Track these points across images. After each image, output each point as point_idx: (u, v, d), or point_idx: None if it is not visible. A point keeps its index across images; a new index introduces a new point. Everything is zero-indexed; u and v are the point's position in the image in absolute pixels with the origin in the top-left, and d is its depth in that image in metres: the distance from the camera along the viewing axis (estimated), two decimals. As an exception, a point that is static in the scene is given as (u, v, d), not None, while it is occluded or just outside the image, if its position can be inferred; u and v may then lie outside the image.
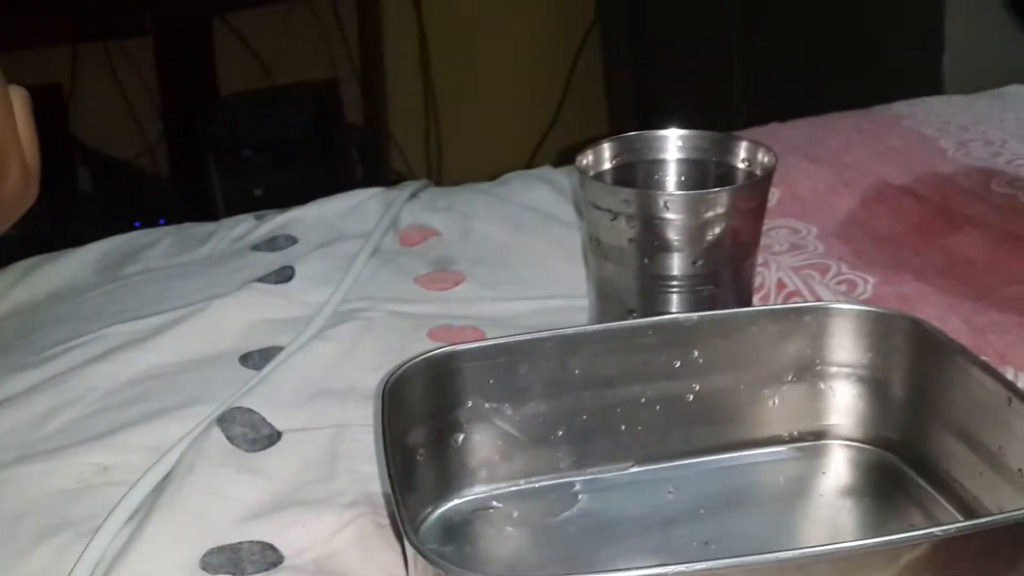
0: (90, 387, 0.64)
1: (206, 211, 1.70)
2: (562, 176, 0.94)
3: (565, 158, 0.68)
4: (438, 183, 1.01)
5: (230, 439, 0.58)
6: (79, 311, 0.75)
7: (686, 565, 0.40)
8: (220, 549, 0.51)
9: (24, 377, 0.66)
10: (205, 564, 0.50)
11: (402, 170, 2.04)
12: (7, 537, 0.52)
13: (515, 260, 0.80)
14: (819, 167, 0.92)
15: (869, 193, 0.87)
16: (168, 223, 0.92)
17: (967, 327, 0.67)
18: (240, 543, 0.51)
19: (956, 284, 0.73)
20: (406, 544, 0.43)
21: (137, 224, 0.94)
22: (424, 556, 0.41)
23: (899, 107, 1.05)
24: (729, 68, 1.71)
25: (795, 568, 0.41)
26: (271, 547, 0.51)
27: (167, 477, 0.55)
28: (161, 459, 0.57)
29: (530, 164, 1.37)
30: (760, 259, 0.70)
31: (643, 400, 0.56)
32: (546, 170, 0.98)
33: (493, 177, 0.98)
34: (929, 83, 1.36)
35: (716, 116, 0.72)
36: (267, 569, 0.49)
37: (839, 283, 0.75)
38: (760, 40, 1.70)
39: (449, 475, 0.55)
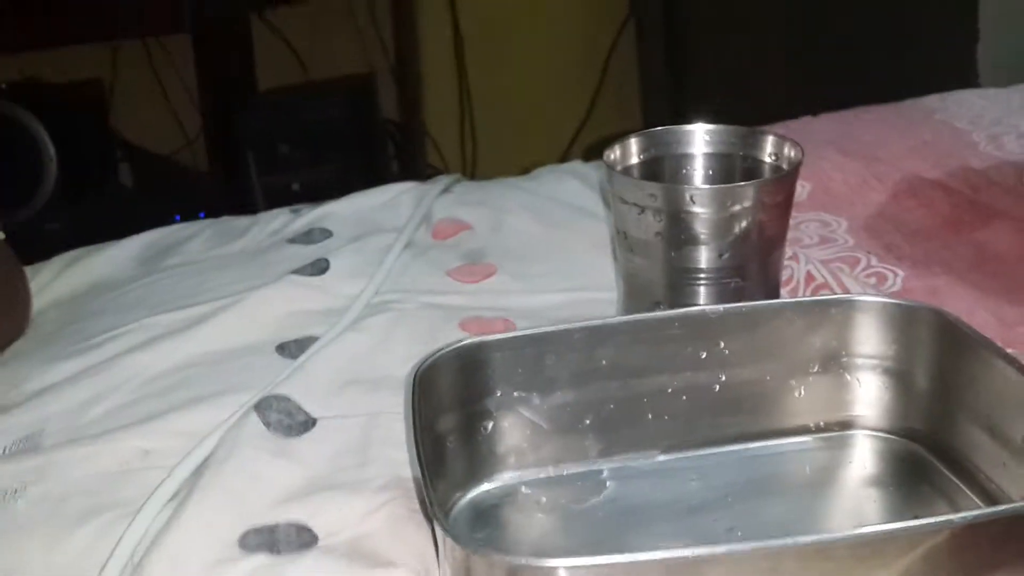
0: (132, 375, 0.66)
1: (245, 205, 1.72)
2: (592, 170, 0.95)
3: (595, 152, 0.69)
4: (473, 177, 1.02)
5: (267, 425, 0.60)
6: (121, 302, 0.77)
7: (708, 549, 0.41)
8: (257, 530, 0.52)
9: (69, 365, 0.68)
10: (243, 543, 0.51)
11: (437, 164, 2.05)
12: (52, 517, 0.54)
13: (545, 253, 0.81)
14: (851, 160, 0.92)
15: (901, 187, 0.87)
16: (207, 216, 0.93)
17: (996, 320, 0.67)
18: (276, 524, 0.52)
19: (985, 278, 0.73)
20: (435, 526, 0.44)
21: (177, 218, 0.96)
22: (452, 537, 0.42)
23: (932, 100, 1.04)
24: (763, 62, 1.71)
25: (815, 553, 0.42)
26: (306, 528, 0.52)
27: (206, 461, 0.57)
28: (200, 444, 0.58)
29: (565, 158, 1.38)
30: (790, 252, 0.70)
31: (670, 390, 0.57)
32: (576, 164, 0.99)
33: (529, 171, 0.99)
34: (963, 74, 1.35)
35: (750, 110, 0.73)
36: (302, 549, 0.51)
37: (869, 276, 0.75)
38: (795, 33, 1.69)
39: (479, 462, 0.56)
